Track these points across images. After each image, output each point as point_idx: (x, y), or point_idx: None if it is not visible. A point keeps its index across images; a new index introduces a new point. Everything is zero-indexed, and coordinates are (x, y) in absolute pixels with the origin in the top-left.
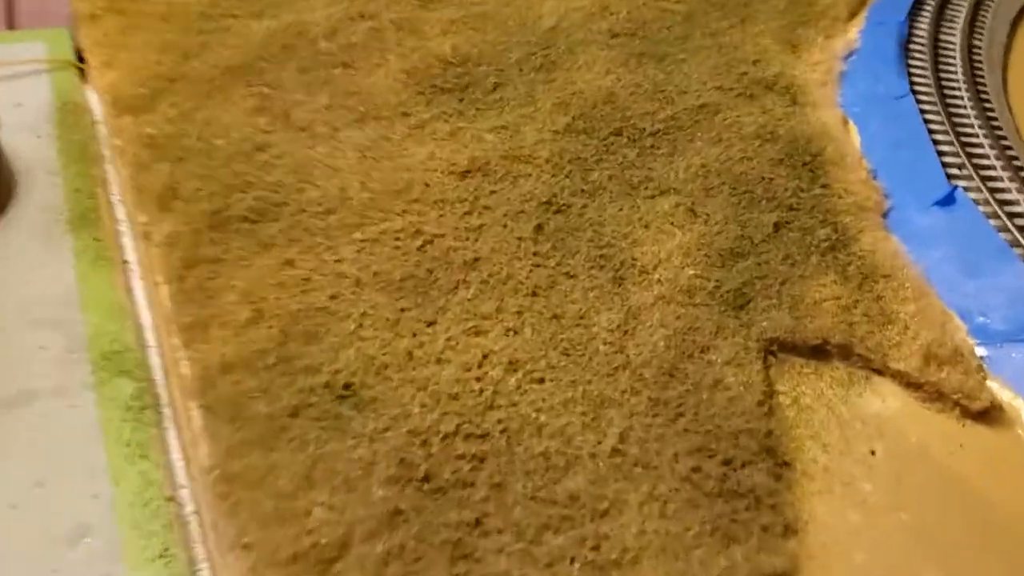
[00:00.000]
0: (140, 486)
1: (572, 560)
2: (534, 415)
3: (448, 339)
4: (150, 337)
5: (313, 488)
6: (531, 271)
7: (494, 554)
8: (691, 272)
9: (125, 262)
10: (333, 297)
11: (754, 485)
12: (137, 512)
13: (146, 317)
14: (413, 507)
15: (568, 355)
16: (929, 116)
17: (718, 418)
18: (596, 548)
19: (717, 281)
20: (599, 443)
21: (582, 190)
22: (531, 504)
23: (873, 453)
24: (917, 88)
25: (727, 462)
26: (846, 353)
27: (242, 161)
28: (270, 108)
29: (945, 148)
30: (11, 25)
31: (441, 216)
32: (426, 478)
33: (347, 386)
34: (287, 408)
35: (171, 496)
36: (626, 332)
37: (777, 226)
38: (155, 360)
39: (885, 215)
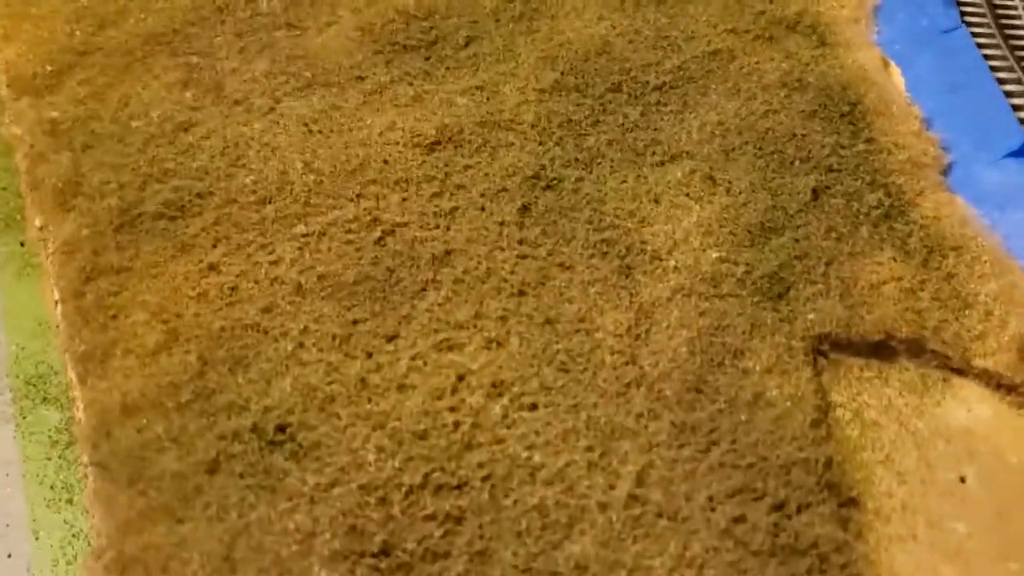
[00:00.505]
0: (64, 539)
1: None
2: (525, 454)
3: (413, 358)
4: None
5: (234, 573)
6: (517, 264)
7: None
8: (714, 255)
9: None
10: (266, 310)
11: (816, 537)
12: (60, 572)
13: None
14: None
15: (567, 371)
16: (988, 51)
17: (762, 446)
18: None
19: (747, 265)
20: (611, 488)
21: (576, 159)
22: None
23: (963, 480)
24: (970, 19)
25: (778, 507)
26: (916, 350)
27: (162, 145)
28: (199, 80)
29: (1012, 88)
30: None
31: (404, 199)
32: (384, 551)
33: (281, 428)
34: (203, 462)
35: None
36: (638, 336)
37: (816, 192)
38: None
39: (946, 172)
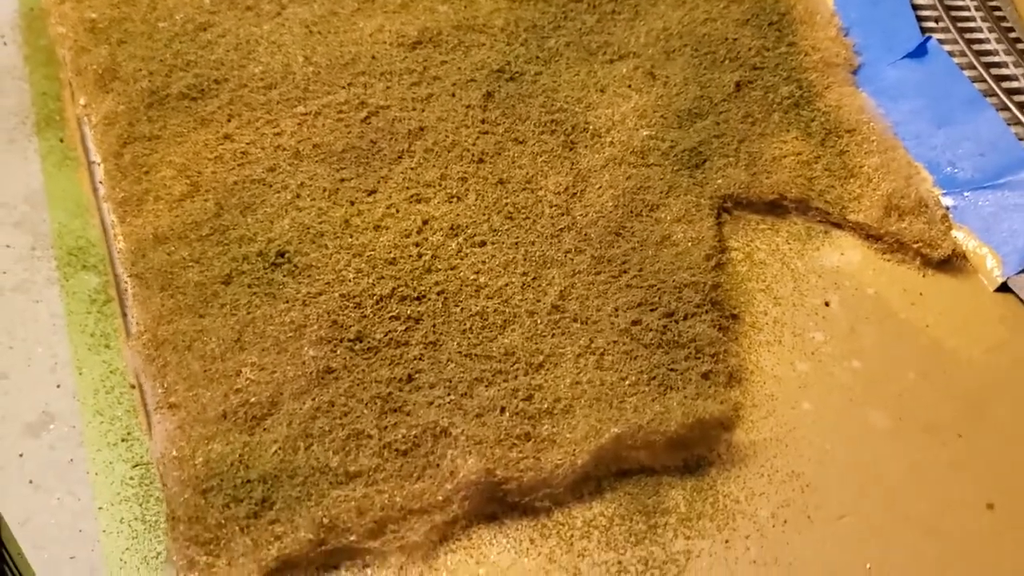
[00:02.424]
0: (103, 374)
1: (502, 410)
2: (473, 277)
3: (388, 207)
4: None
5: (243, 350)
6: (478, 138)
7: (424, 407)
8: (645, 133)
9: (92, 162)
10: (271, 169)
11: (696, 335)
12: (100, 399)
13: (110, 213)
14: (344, 366)
15: (512, 219)
16: None
17: (663, 273)
18: (528, 399)
19: (672, 141)
20: (538, 301)
21: (537, 57)
22: (465, 360)
23: (827, 304)
24: None
25: (669, 314)
26: (804, 208)
27: (184, 41)
28: None
29: (922, 1)
30: None
31: (388, 88)
32: (358, 338)
33: (281, 254)
34: (219, 276)
35: (134, 384)
36: (574, 195)
37: (739, 85)
38: (117, 252)
39: (855, 71)
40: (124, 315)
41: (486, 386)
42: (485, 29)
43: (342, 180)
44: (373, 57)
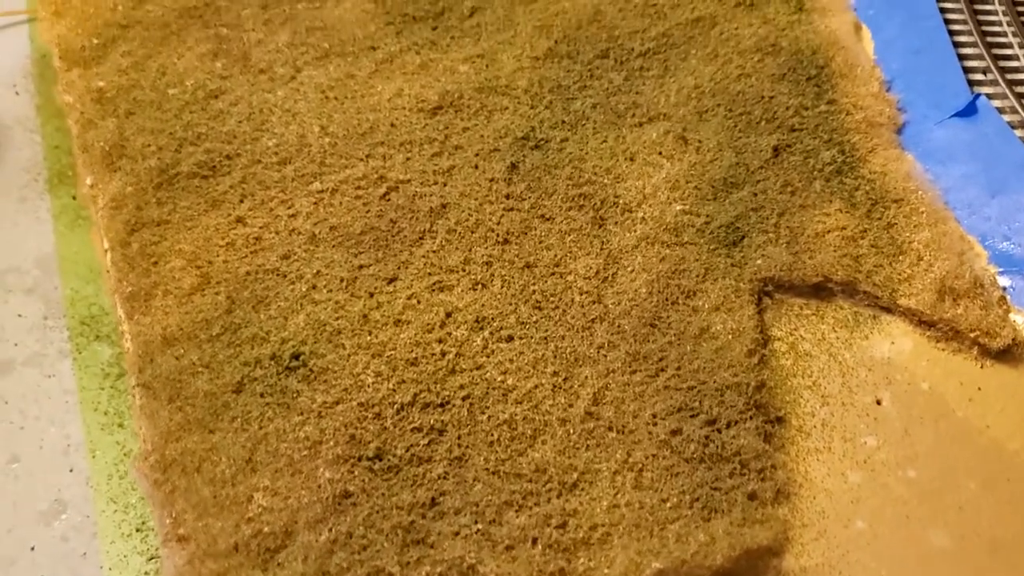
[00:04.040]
0: (117, 457)
1: (534, 541)
2: (500, 378)
3: (409, 297)
4: None
5: (255, 472)
6: (503, 216)
7: (449, 538)
8: (679, 207)
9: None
10: (285, 257)
11: (740, 447)
12: (114, 485)
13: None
14: (363, 489)
15: (540, 308)
16: (951, 16)
17: (703, 372)
18: (562, 526)
19: (707, 216)
20: (570, 407)
21: (563, 122)
22: (493, 480)
23: (879, 403)
24: None
25: (711, 422)
26: (851, 291)
27: (195, 111)
28: (228, 50)
29: (968, 51)
30: None
31: (408, 159)
32: (378, 456)
33: (296, 356)
34: (230, 384)
35: None
36: (605, 279)
37: (777, 150)
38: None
39: (899, 131)
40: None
41: (516, 511)
42: (508, 91)
43: (360, 267)
44: (392, 124)
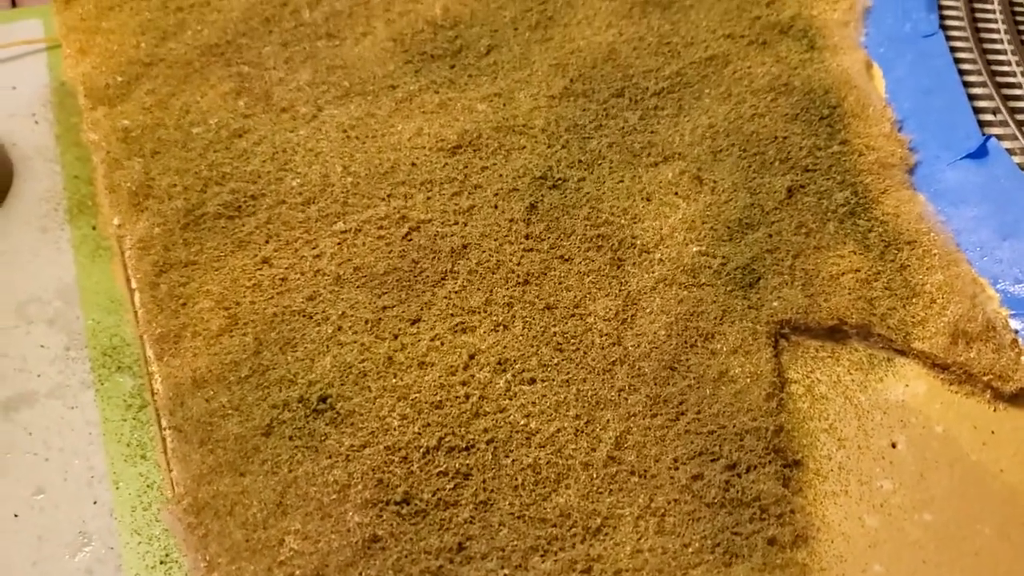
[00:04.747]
0: (140, 489)
1: None
2: (523, 421)
3: (433, 338)
4: None
5: (285, 515)
6: (523, 256)
7: None
8: (695, 249)
9: (125, 252)
10: (311, 298)
11: (760, 492)
12: (138, 517)
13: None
14: (391, 533)
15: (562, 351)
16: (961, 55)
17: (722, 417)
18: (587, 572)
19: (724, 257)
20: (593, 451)
21: (579, 161)
22: (518, 524)
23: (894, 446)
24: (949, 24)
25: (731, 467)
26: (865, 333)
27: (219, 150)
28: (250, 89)
29: (978, 91)
30: (14, 2)
31: (428, 199)
32: (405, 500)
33: (323, 399)
34: (260, 427)
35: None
36: (624, 321)
37: (791, 191)
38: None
39: (912, 172)
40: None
41: (542, 556)
42: (525, 130)
43: (384, 308)
44: (413, 164)
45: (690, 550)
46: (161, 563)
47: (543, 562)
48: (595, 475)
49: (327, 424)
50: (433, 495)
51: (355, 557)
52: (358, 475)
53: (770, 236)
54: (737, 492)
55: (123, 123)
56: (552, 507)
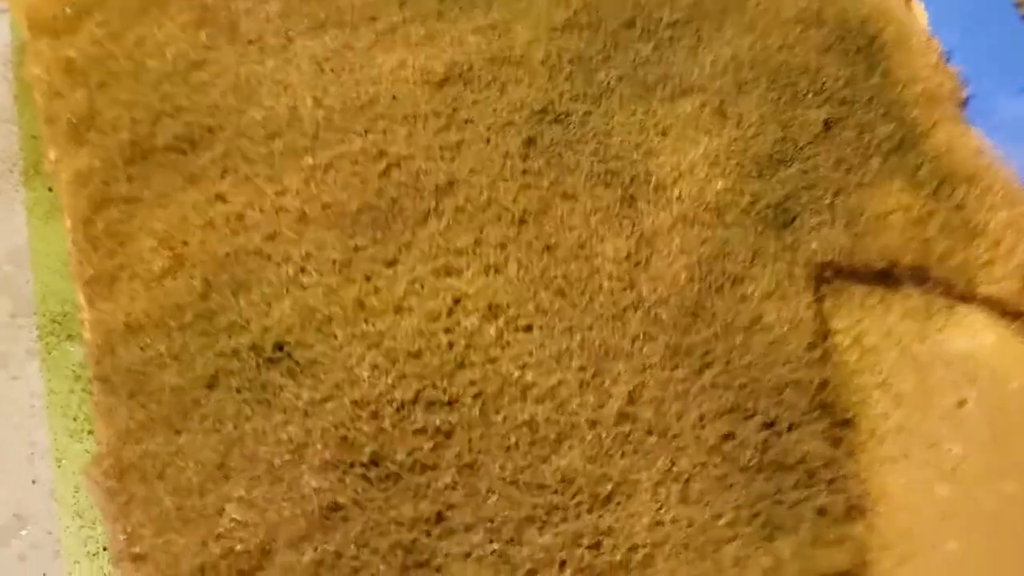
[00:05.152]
0: (85, 467)
1: (562, 565)
2: (517, 373)
3: (412, 282)
4: None
5: (228, 480)
6: (519, 193)
7: (459, 560)
8: (720, 185)
9: None
10: (270, 237)
11: (805, 453)
12: (81, 499)
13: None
14: (355, 500)
15: (564, 295)
16: None
17: (756, 368)
18: (596, 547)
19: (752, 195)
20: (601, 407)
21: (585, 94)
22: (510, 491)
23: (962, 404)
24: None
25: (769, 424)
26: (921, 277)
27: (175, 82)
28: (214, 20)
29: None
30: None
31: (411, 134)
32: (373, 461)
33: (279, 346)
34: (202, 377)
35: None
36: (638, 263)
37: (828, 124)
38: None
39: (963, 105)
40: None
41: (539, 528)
42: (523, 62)
43: (356, 249)
44: (394, 98)
45: (722, 522)
46: (105, 549)
47: (541, 535)
48: (604, 434)
49: (283, 375)
50: (408, 456)
51: (310, 529)
52: (318, 432)
53: (805, 172)
54: (777, 454)
55: (67, 54)
56: (552, 471)
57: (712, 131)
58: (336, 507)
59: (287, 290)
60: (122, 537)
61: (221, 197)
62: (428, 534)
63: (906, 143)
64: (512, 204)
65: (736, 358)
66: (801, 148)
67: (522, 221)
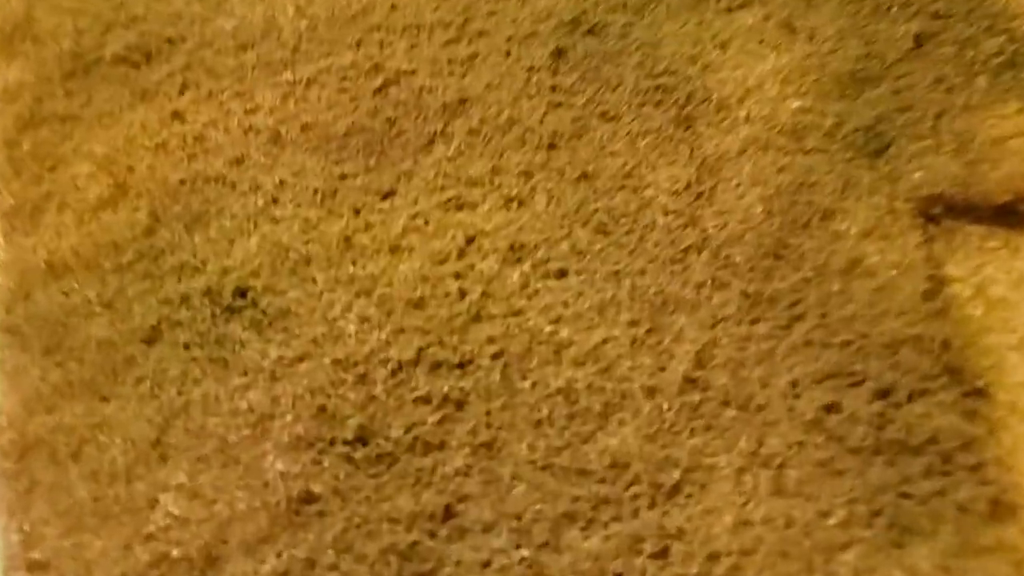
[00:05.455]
0: None
1: None
2: (549, 328)
3: (412, 217)
4: None
5: (165, 462)
6: (547, 113)
7: (475, 570)
8: (795, 104)
9: None
10: (236, 161)
11: (935, 431)
12: None
13: None
14: (335, 490)
15: (606, 233)
16: None
17: (861, 321)
18: (662, 555)
19: (837, 117)
20: (661, 370)
21: (624, 5)
22: (543, 478)
23: None
24: None
25: (883, 394)
26: None
27: None
28: None
29: None
30: None
31: (413, 46)
32: (361, 439)
33: (242, 292)
34: (140, 329)
35: None
36: (700, 195)
37: (919, 39)
38: None
39: None
40: None
41: (583, 529)
42: None
43: (343, 177)
44: (393, 6)
45: (831, 521)
46: None
47: (585, 538)
48: (666, 405)
49: (245, 327)
50: (407, 432)
51: (273, 527)
52: (288, 400)
53: (897, 92)
54: (898, 431)
55: None
56: (598, 453)
57: (780, 46)
58: (310, 498)
59: (254, 224)
60: (17, 537)
61: (178, 116)
62: (433, 535)
63: (1020, 60)
64: (539, 125)
65: (834, 309)
66: (889, 66)
67: (551, 145)
